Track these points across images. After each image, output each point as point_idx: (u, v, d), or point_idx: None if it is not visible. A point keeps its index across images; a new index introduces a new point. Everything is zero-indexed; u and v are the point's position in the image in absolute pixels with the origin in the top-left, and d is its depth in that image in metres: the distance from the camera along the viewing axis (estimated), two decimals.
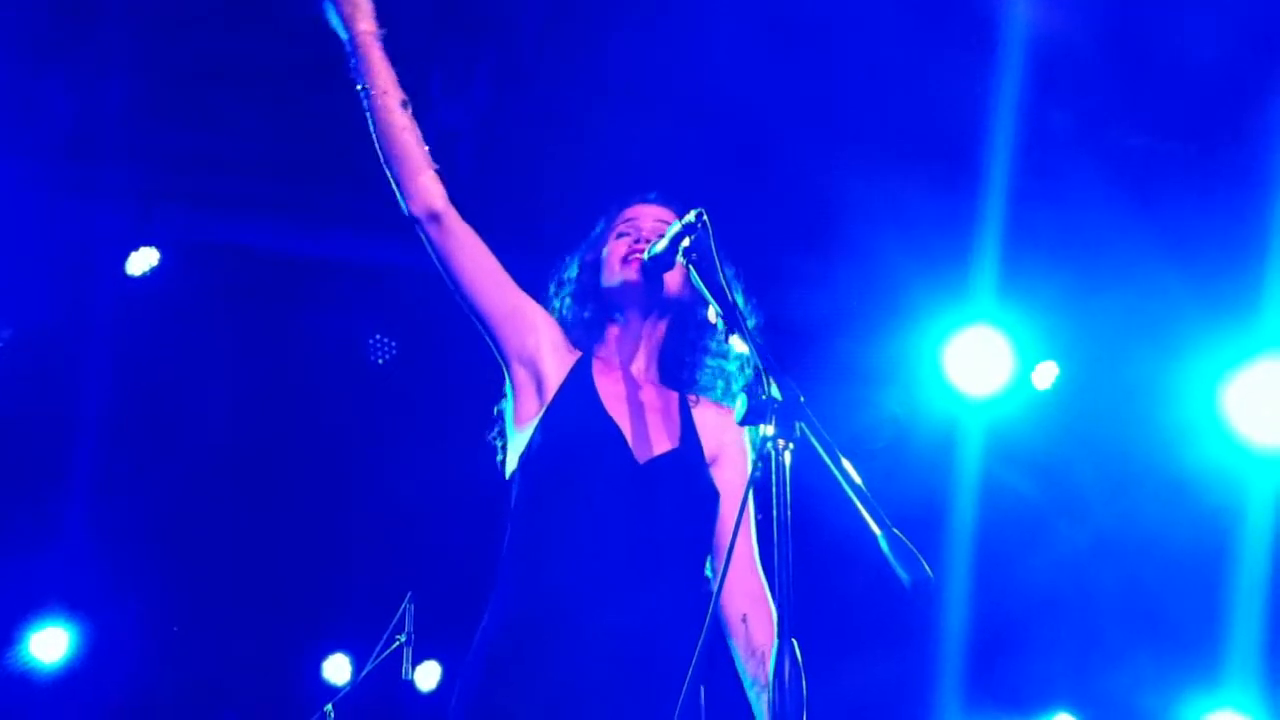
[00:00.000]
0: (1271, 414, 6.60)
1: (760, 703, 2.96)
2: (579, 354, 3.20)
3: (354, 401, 7.12)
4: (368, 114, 3.10)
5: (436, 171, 3.10)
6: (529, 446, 3.04)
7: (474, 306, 3.13)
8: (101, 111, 5.77)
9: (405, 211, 3.09)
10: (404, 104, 3.10)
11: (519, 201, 6.06)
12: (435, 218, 3.06)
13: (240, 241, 6.47)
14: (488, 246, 3.13)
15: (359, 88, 3.10)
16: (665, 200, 3.31)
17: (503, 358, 3.18)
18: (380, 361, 7.10)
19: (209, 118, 6.00)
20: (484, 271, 3.11)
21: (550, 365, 3.14)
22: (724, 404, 3.25)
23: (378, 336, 7.08)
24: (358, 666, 7.24)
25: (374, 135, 3.09)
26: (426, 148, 3.11)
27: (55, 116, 5.78)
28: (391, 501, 7.25)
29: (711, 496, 3.10)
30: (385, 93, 3.09)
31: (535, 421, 3.07)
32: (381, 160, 3.10)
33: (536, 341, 3.15)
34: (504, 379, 3.20)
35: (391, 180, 3.09)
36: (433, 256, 3.11)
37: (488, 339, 3.18)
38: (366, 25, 3.13)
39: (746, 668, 3.01)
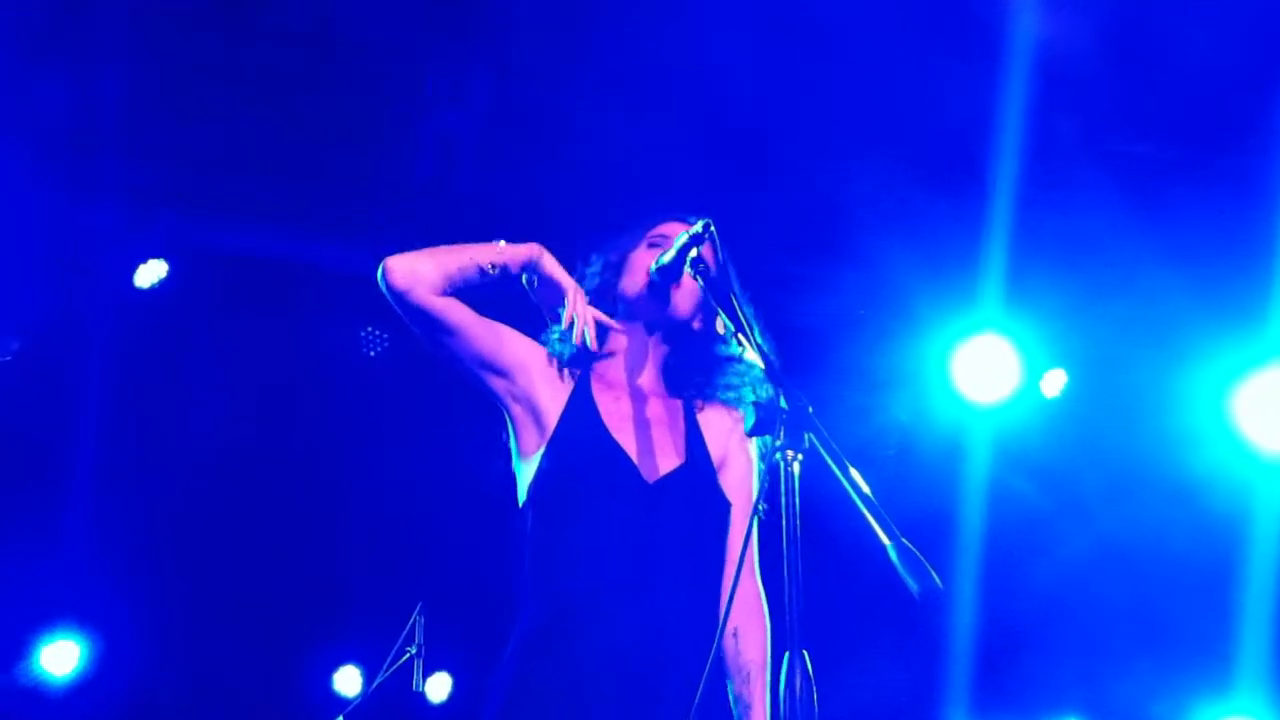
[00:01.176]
0: (1278, 420, 6.60)
1: None
2: (576, 374, 3.18)
3: (352, 398, 7.02)
4: (479, 266, 3.10)
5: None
6: (538, 477, 3.03)
7: (459, 366, 3.12)
8: (100, 108, 5.74)
9: (380, 275, 3.04)
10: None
11: (517, 204, 6.05)
12: (406, 293, 3.02)
13: (234, 238, 6.41)
14: (467, 308, 3.10)
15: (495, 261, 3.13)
16: None
17: (497, 400, 3.16)
18: (372, 354, 7.03)
19: (208, 116, 5.98)
20: (465, 338, 3.08)
21: (546, 397, 3.11)
22: (729, 406, 3.23)
23: (369, 329, 7.00)
24: (368, 678, 7.24)
25: (454, 251, 3.10)
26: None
27: (54, 113, 5.76)
28: (401, 510, 7.23)
29: (723, 509, 3.09)
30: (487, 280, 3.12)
31: (540, 452, 3.06)
32: (428, 249, 3.09)
33: (528, 379, 3.13)
34: (502, 415, 3.18)
35: (417, 262, 3.05)
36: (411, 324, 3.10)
37: (480, 389, 3.15)
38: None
39: (733, 683, 2.99)
